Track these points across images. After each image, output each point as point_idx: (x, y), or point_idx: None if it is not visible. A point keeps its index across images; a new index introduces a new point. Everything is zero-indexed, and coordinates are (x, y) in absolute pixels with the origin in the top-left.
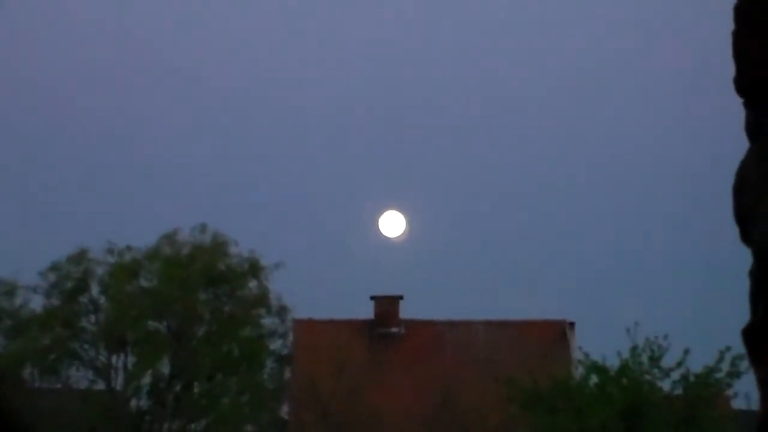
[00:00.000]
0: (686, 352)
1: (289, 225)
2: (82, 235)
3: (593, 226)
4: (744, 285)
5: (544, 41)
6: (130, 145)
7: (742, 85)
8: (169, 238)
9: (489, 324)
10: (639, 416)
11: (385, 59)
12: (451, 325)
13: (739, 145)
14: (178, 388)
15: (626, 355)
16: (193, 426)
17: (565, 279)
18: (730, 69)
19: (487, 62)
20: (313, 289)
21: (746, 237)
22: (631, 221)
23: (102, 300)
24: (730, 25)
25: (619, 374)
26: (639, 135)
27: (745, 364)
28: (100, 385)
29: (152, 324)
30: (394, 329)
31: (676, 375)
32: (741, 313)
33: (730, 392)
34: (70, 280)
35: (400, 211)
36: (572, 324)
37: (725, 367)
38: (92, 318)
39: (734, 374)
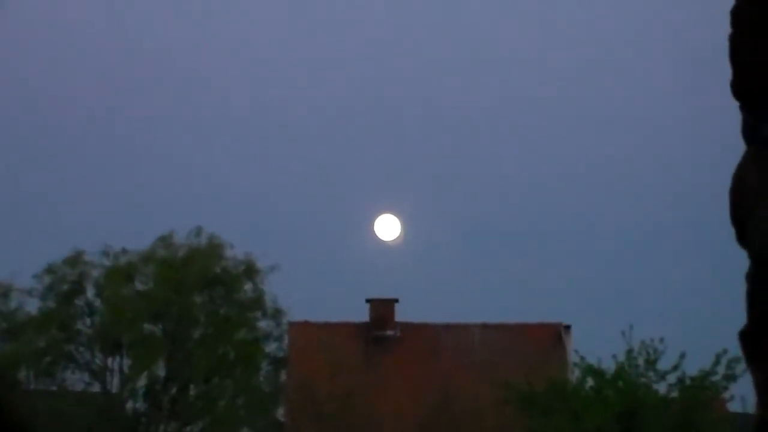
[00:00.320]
0: (682, 355)
1: (284, 228)
2: (77, 238)
3: (589, 230)
4: (740, 287)
5: (541, 43)
6: (126, 148)
7: (739, 88)
8: (165, 240)
9: (485, 327)
10: (635, 419)
11: (382, 62)
12: (447, 328)
13: (736, 148)
14: (173, 390)
15: (622, 358)
16: (189, 428)
17: (561, 282)
18: (727, 72)
19: (485, 65)
20: (309, 291)
21: (743, 239)
22: (627, 224)
23: (97, 302)
24: (727, 29)
25: (615, 377)
26: (636, 139)
27: (741, 367)
28: (96, 388)
29: (148, 326)
30: (390, 332)
31: (672, 378)
32: (737, 316)
33: (726, 395)
34: (66, 282)
35: (395, 215)
36: (568, 327)
37: (721, 370)
38: (88, 320)
39: (730, 377)
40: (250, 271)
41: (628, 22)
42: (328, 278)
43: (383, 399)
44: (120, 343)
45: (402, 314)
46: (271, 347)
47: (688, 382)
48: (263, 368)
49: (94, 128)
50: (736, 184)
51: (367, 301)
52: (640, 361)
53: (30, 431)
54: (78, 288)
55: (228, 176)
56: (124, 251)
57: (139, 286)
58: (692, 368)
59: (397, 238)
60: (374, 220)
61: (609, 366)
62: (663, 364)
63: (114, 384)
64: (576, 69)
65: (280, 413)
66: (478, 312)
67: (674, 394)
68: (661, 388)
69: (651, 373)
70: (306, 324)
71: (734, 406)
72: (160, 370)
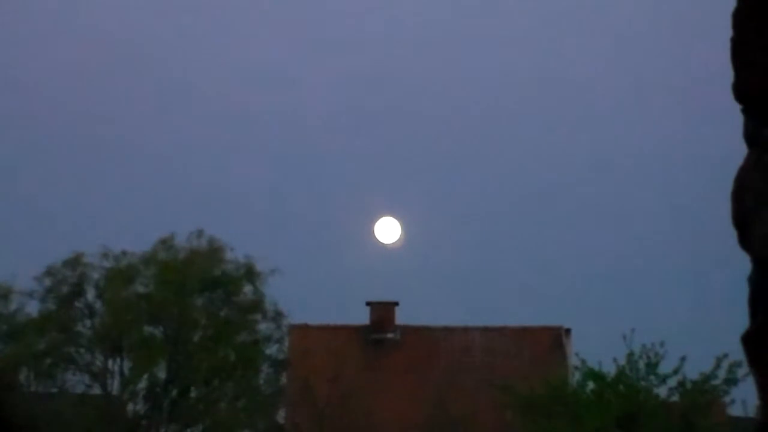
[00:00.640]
0: (683, 359)
1: (284, 231)
2: (77, 240)
3: (589, 233)
4: (741, 291)
5: (541, 45)
6: (126, 150)
7: (740, 91)
8: (166, 243)
9: (485, 330)
10: (635, 423)
11: (381, 65)
12: (447, 331)
13: (737, 150)
14: (174, 393)
15: (622, 361)
16: (189, 431)
17: (561, 285)
18: (728, 75)
19: (484, 69)
20: (309, 294)
21: (745, 242)
22: (627, 228)
23: (98, 304)
24: (728, 32)
25: (615, 381)
26: (635, 142)
27: (741, 371)
28: (96, 390)
29: (148, 329)
30: (390, 335)
31: (672, 382)
32: (738, 320)
33: (726, 399)
34: (66, 284)
35: (395, 218)
36: (568, 330)
37: (722, 374)
38: (88, 322)
39: (731, 381)
40: (250, 273)
41: (627, 25)
42: (329, 281)
43: (383, 402)
44: (120, 345)
45: (402, 317)
46: (271, 350)
47: (688, 385)
48: (263, 371)
49: (94, 129)
50: (737, 187)
51: (368, 304)
52: (641, 365)
53: None
54: (78, 290)
55: (229, 179)
56: (124, 253)
57: (139, 288)
58: (693, 372)
59: (398, 241)
60: (375, 223)
61: (609, 369)
62: (664, 368)
63: (114, 386)
64: (573, 73)
65: (281, 416)
66: (478, 315)
67: (675, 397)
68: (662, 391)
69: (652, 377)
70: (306, 327)
71: (735, 410)
72: (161, 373)
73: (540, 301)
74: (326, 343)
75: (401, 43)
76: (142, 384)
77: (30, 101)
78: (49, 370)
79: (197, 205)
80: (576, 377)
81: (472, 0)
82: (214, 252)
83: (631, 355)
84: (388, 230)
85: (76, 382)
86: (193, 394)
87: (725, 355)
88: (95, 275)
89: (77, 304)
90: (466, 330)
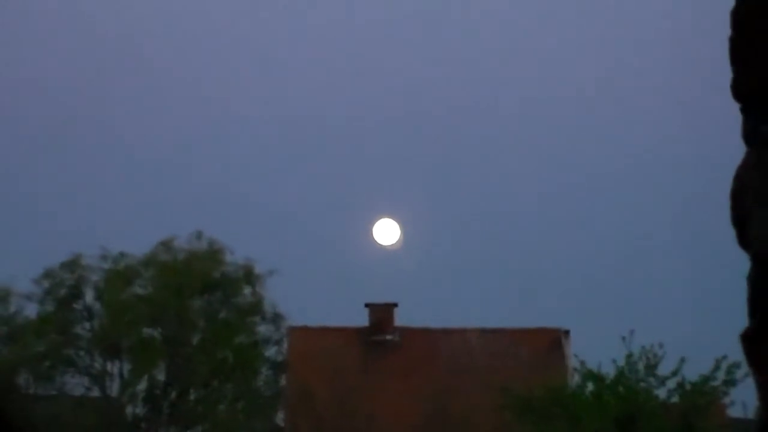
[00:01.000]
0: (682, 360)
1: (283, 233)
2: (76, 242)
3: (588, 234)
4: (740, 292)
5: (540, 48)
6: (125, 151)
7: (739, 90)
8: (165, 245)
9: (484, 332)
10: (635, 424)
11: (382, 67)
12: (446, 332)
13: (736, 149)
14: (173, 395)
15: (622, 363)
16: None
17: (560, 287)
18: (727, 74)
19: (483, 72)
20: (308, 296)
21: (744, 242)
22: (625, 229)
23: (97, 306)
24: (727, 31)
25: (615, 382)
26: (634, 144)
27: (741, 373)
28: (95, 392)
29: (147, 331)
30: (389, 337)
31: (672, 383)
32: (737, 322)
33: (726, 400)
34: (64, 286)
35: (394, 219)
36: (567, 332)
37: (721, 375)
38: (87, 325)
39: (730, 382)
40: (249, 275)
41: (627, 26)
42: (328, 283)
43: (382, 403)
44: (119, 347)
45: (401, 319)
46: (270, 352)
47: (688, 387)
48: (263, 373)
49: (94, 130)
50: (736, 186)
51: (367, 305)
52: (640, 367)
53: None
54: (77, 292)
55: (228, 181)
56: (123, 255)
57: (138, 290)
58: (692, 373)
59: (397, 242)
60: (373, 225)
61: (608, 371)
62: (663, 369)
63: (113, 388)
64: (573, 76)
65: (280, 418)
66: (477, 317)
67: (674, 399)
68: (661, 393)
69: (651, 378)
70: (305, 328)
71: (735, 411)
72: (160, 375)
73: (539, 302)
74: (325, 345)
75: (401, 43)
76: (142, 386)
77: (28, 101)
78: (48, 372)
79: (197, 207)
80: (575, 379)
81: (472, 0)
82: (213, 254)
83: (630, 356)
84: (387, 232)
85: (75, 384)
86: (192, 396)
87: (724, 357)
88: (94, 277)
89: (76, 306)
90: (465, 331)
